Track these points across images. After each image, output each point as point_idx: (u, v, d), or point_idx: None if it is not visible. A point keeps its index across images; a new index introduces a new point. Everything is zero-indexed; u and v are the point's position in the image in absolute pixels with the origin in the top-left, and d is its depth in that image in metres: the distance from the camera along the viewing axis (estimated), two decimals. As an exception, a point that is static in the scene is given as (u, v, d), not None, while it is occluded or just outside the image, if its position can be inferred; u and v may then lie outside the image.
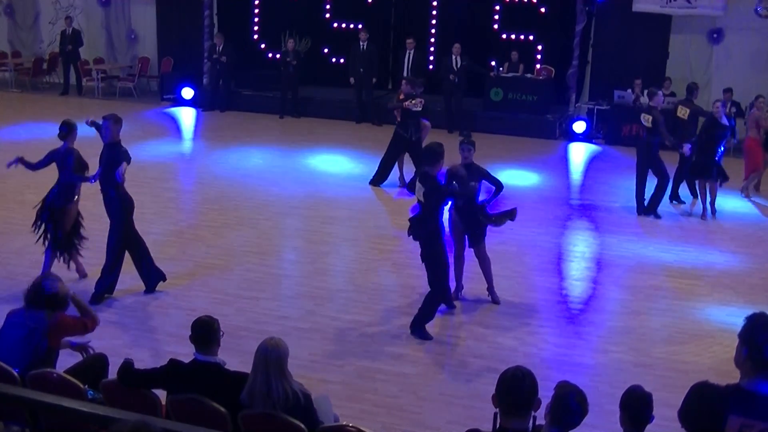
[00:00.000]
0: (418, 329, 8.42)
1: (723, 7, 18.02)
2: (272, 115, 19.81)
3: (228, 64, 20.11)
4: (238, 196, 13.24)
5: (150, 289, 9.26)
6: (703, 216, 12.90)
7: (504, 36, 20.24)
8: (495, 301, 9.34)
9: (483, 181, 9.12)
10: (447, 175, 8.31)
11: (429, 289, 8.46)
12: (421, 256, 8.43)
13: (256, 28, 21.90)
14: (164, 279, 9.35)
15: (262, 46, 21.71)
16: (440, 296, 8.54)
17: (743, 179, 14.30)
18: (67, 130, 9.13)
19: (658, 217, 12.79)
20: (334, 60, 21.42)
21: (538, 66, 19.81)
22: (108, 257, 9.04)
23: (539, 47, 20.03)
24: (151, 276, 9.28)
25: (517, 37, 20.15)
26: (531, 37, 20.06)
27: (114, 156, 8.74)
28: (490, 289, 9.38)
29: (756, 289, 10.16)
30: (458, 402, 7.20)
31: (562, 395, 4.27)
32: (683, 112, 13.39)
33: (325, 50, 21.57)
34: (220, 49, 20.16)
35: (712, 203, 12.97)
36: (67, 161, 9.06)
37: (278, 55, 20.13)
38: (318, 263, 10.55)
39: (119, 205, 8.90)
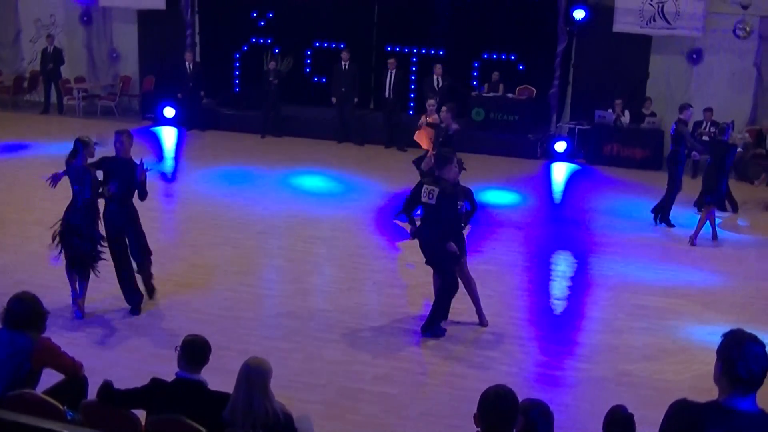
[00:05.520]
0: (430, 328, 8.82)
1: (702, 28, 18.18)
2: (254, 134, 19.78)
3: (200, 81, 20.21)
4: (219, 216, 13.19)
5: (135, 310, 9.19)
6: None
7: (485, 56, 20.29)
8: (483, 323, 9.19)
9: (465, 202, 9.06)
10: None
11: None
12: (426, 260, 8.84)
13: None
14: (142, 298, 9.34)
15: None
16: (452, 289, 8.80)
17: None
18: (83, 147, 8.87)
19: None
20: (316, 79, 21.44)
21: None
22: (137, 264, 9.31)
23: (520, 67, 20.13)
24: (134, 297, 9.23)
25: (499, 56, 20.22)
26: (512, 57, 20.14)
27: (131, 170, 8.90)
28: (478, 311, 9.21)
29: (737, 307, 10.21)
30: (441, 422, 7.18)
31: (524, 413, 4.43)
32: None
33: (307, 70, 21.60)
34: (190, 66, 20.21)
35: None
36: (86, 179, 8.89)
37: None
38: (299, 283, 10.52)
39: (135, 213, 9.14)
